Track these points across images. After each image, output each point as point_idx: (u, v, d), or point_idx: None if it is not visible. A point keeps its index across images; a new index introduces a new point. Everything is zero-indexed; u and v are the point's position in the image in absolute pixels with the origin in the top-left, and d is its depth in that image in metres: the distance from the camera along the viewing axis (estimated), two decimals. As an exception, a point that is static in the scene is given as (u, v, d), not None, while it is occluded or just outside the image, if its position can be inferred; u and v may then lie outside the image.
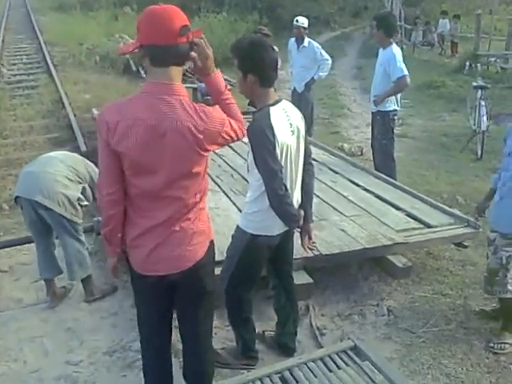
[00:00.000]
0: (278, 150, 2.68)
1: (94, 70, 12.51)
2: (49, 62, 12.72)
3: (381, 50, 5.71)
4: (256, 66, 2.69)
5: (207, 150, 2.18)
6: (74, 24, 18.13)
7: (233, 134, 2.27)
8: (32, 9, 24.19)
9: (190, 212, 2.25)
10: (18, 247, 4.55)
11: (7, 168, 6.53)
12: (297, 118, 2.85)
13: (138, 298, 2.50)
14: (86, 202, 3.85)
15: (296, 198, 2.92)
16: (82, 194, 3.79)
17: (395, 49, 5.51)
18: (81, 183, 3.82)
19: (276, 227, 2.87)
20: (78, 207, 3.77)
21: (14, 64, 13.16)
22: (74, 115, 8.35)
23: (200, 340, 2.53)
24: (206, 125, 2.12)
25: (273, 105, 2.74)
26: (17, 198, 3.73)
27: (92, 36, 15.49)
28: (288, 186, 2.80)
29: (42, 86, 10.64)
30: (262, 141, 2.67)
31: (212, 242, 2.42)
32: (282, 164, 2.74)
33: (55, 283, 3.88)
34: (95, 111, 7.72)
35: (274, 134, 2.65)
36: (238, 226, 2.99)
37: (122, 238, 2.28)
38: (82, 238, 3.87)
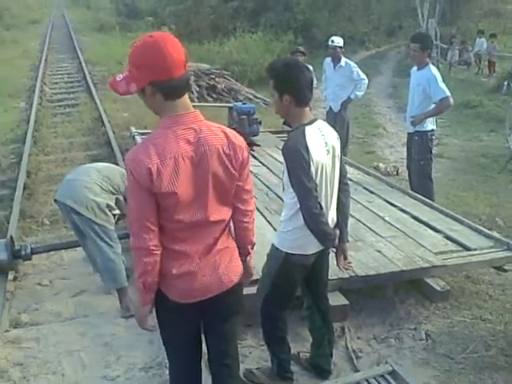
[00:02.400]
0: (312, 169, 2.70)
1: (133, 89, 12.78)
2: (89, 80, 13.08)
3: (414, 69, 5.69)
4: (291, 87, 2.72)
5: (236, 170, 2.21)
6: (113, 44, 18.66)
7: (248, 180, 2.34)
8: (73, 29, 25.00)
9: (227, 229, 2.31)
10: (59, 262, 4.66)
11: (49, 184, 6.70)
12: (332, 138, 2.85)
13: (168, 326, 2.39)
14: (117, 211, 3.95)
15: (331, 217, 2.91)
16: (115, 204, 3.92)
17: (434, 69, 5.49)
18: (114, 194, 3.94)
19: (311, 246, 2.86)
20: (109, 213, 3.88)
21: (56, 83, 13.58)
22: (113, 133, 8.54)
23: (230, 357, 2.52)
24: (233, 142, 2.17)
25: (308, 124, 2.76)
26: (55, 201, 4.03)
27: (131, 56, 15.84)
28: (323, 205, 2.80)
29: (82, 105, 10.94)
30: (297, 159, 2.69)
31: None
32: (317, 183, 2.74)
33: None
34: (133, 129, 7.89)
35: (308, 153, 2.67)
36: (272, 245, 3.00)
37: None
38: (117, 247, 3.95)
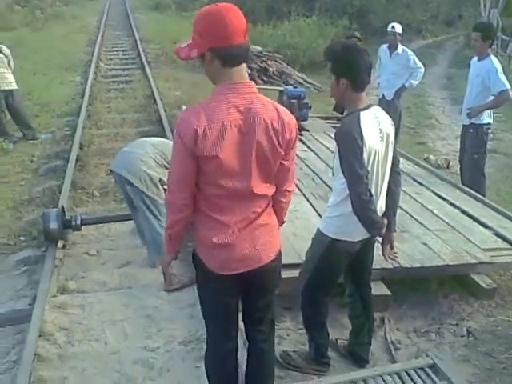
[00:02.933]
0: (365, 156, 2.66)
1: (185, 68, 12.88)
2: (143, 58, 13.26)
3: (474, 60, 5.53)
4: (349, 70, 2.67)
5: (282, 147, 2.21)
6: (168, 23, 18.84)
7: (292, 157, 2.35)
8: (130, 7, 25.33)
9: (270, 206, 2.33)
10: (107, 233, 4.78)
11: (100, 157, 6.87)
12: (387, 125, 2.80)
13: (208, 298, 2.46)
14: None
15: (380, 205, 2.87)
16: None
17: (495, 60, 5.31)
18: (167, 168, 3.99)
19: (357, 233, 2.83)
20: (161, 188, 3.98)
21: (111, 59, 13.83)
22: (165, 111, 8.64)
23: (265, 324, 2.56)
24: (282, 119, 2.17)
25: (364, 109, 2.72)
26: (110, 171, 4.21)
27: (185, 35, 15.85)
28: (373, 193, 2.76)
29: (135, 82, 11.11)
30: (350, 145, 2.65)
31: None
32: (369, 170, 2.71)
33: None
34: (184, 108, 7.97)
35: (362, 139, 2.63)
36: (318, 229, 2.98)
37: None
38: (164, 221, 3.99)
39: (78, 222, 4.40)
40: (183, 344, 3.38)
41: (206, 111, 2.07)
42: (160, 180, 3.98)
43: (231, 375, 2.56)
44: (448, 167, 7.41)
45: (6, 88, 7.42)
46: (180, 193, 2.18)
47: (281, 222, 2.50)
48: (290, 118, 2.21)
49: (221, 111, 2.07)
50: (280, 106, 2.22)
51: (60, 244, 4.47)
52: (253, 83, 2.18)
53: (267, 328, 2.58)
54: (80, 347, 3.33)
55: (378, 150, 2.72)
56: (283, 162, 2.25)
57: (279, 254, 2.42)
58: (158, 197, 3.97)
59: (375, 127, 2.72)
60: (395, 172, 2.96)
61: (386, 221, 2.96)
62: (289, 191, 2.41)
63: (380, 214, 2.88)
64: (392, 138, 2.82)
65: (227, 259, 2.27)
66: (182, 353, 3.30)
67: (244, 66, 2.14)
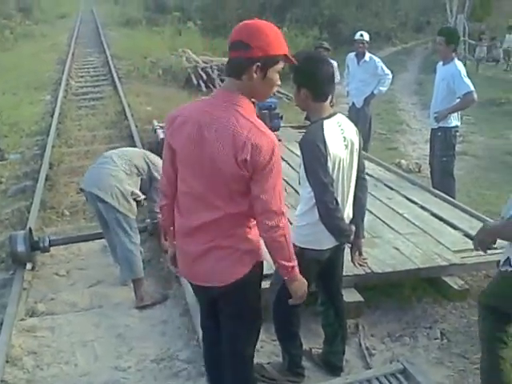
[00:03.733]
0: (329, 164, 2.66)
1: (157, 83, 12.87)
2: (114, 74, 13.19)
3: (440, 65, 5.61)
4: (309, 81, 2.69)
5: (244, 168, 2.07)
6: (139, 38, 18.81)
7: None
8: (101, 24, 25.24)
9: (232, 228, 2.19)
10: (76, 252, 4.71)
11: (70, 175, 6.77)
12: (351, 132, 2.81)
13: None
14: (141, 197, 4.04)
15: (347, 212, 2.88)
16: (141, 186, 4.06)
17: (459, 64, 5.40)
18: (139, 175, 4.07)
19: (325, 241, 2.83)
20: (133, 202, 3.96)
21: (82, 76, 13.73)
22: (136, 126, 8.59)
23: (234, 358, 2.46)
24: (253, 140, 2.06)
25: (327, 118, 2.72)
26: (81, 189, 4.19)
27: (156, 50, 15.98)
28: (339, 200, 2.77)
29: (106, 98, 11.04)
30: (314, 153, 2.66)
31: (260, 263, 2.33)
32: (334, 178, 2.71)
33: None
34: (156, 123, 7.93)
35: (326, 147, 2.63)
36: None
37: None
38: (136, 237, 4.01)
39: (46, 244, 4.32)
40: (155, 362, 3.32)
41: (186, 106, 2.25)
42: (132, 193, 3.95)
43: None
44: (419, 171, 7.48)
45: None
46: (162, 179, 2.39)
47: (279, 261, 2.25)
48: (263, 143, 2.05)
49: (195, 109, 2.18)
50: (261, 127, 2.10)
51: (29, 266, 4.38)
52: (241, 96, 2.13)
53: (231, 363, 2.46)
54: (49, 371, 3.25)
55: (342, 158, 2.72)
56: (251, 186, 2.12)
57: (240, 282, 2.24)
58: (129, 212, 3.93)
59: (339, 135, 2.72)
60: (361, 178, 2.96)
61: (353, 227, 2.96)
62: (268, 225, 2.12)
63: (347, 221, 2.88)
64: (357, 146, 2.83)
65: (182, 265, 2.33)
66: (154, 371, 3.24)
67: (233, 79, 2.15)
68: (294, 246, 2.85)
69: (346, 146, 2.75)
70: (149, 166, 4.12)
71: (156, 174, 4.06)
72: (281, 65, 2.16)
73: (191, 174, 2.17)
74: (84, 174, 4.30)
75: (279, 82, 2.20)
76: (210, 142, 2.09)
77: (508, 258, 2.62)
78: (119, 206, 3.87)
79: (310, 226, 2.80)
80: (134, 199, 3.97)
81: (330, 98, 2.79)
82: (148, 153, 4.37)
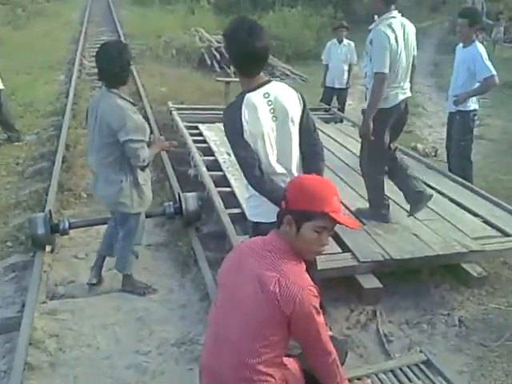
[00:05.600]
0: (247, 136, 2.61)
1: (171, 63, 12.79)
2: (127, 54, 13.11)
3: (459, 47, 5.51)
4: (231, 59, 2.72)
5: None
6: (152, 17, 18.64)
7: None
8: (113, 2, 25.06)
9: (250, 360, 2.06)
10: (95, 235, 4.73)
11: (86, 157, 6.76)
12: (287, 102, 2.69)
13: None
14: (136, 164, 3.58)
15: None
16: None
17: (480, 47, 5.30)
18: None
19: (270, 214, 2.61)
20: (137, 196, 3.71)
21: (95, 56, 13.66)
22: (151, 107, 8.56)
23: None
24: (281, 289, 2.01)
25: (251, 91, 2.66)
26: None
27: (169, 29, 15.84)
28: (278, 170, 2.71)
29: (120, 78, 10.98)
30: (230, 128, 2.67)
31: None
32: (259, 148, 2.65)
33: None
34: (171, 104, 7.91)
35: (241, 121, 2.59)
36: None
37: None
38: (140, 236, 3.95)
39: (66, 226, 4.34)
40: (176, 346, 3.36)
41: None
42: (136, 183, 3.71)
43: None
44: (436, 155, 7.42)
45: (-5, 87, 7.27)
46: None
47: None
48: (288, 292, 2.01)
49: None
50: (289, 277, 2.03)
51: (48, 248, 4.42)
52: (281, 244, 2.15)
53: None
54: (71, 354, 3.29)
55: (267, 130, 2.65)
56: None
57: None
58: (141, 208, 3.79)
59: (264, 107, 2.65)
60: (311, 145, 2.82)
61: None
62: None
63: None
64: (294, 114, 2.72)
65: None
66: (174, 355, 3.28)
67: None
68: (249, 220, 2.88)
69: (276, 117, 2.67)
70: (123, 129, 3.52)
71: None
72: (319, 223, 2.05)
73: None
74: None
75: (324, 243, 2.12)
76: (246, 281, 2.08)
77: None
78: (133, 209, 3.72)
79: (254, 197, 2.79)
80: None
81: (257, 73, 2.69)
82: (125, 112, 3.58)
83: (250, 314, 2.03)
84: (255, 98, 2.65)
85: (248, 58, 2.62)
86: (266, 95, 2.67)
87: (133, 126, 3.48)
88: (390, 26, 3.94)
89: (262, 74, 2.72)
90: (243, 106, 2.62)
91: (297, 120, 2.75)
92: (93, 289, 4.00)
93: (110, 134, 3.51)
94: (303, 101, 2.78)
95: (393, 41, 3.91)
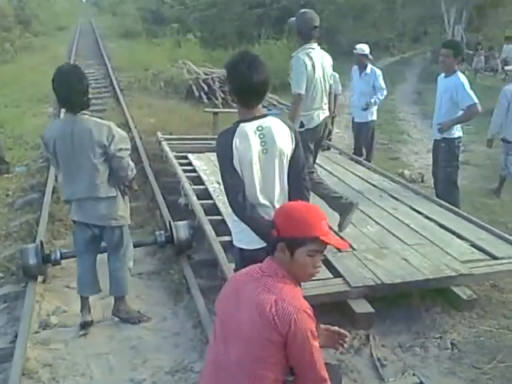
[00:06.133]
0: (236, 165, 2.69)
1: (159, 94, 12.93)
2: (116, 86, 13.26)
3: (441, 76, 5.68)
4: (233, 90, 2.81)
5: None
6: (139, 50, 18.86)
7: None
8: (100, 36, 25.36)
9: None
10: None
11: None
12: (279, 137, 2.77)
13: None
14: (128, 176, 3.65)
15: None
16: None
17: (462, 76, 5.47)
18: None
19: (253, 241, 2.76)
20: (128, 208, 3.79)
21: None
22: (140, 138, 8.64)
23: None
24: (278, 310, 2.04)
25: (246, 121, 2.76)
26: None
27: (157, 62, 16.05)
28: (263, 202, 2.78)
29: (109, 110, 11.09)
30: (221, 155, 2.76)
31: None
32: (246, 180, 2.73)
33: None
34: (160, 134, 7.99)
35: (232, 150, 2.68)
36: None
37: None
38: (131, 254, 4.00)
39: (58, 256, 4.35)
40: (170, 374, 3.35)
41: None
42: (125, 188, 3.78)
43: None
44: (422, 181, 7.53)
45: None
46: None
47: None
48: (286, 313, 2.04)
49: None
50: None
51: (40, 279, 4.40)
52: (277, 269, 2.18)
53: None
54: (65, 383, 3.27)
55: (255, 162, 2.73)
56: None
57: None
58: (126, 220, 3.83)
59: (255, 139, 2.73)
60: (300, 179, 2.89)
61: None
62: None
63: None
64: (286, 150, 2.80)
65: None
66: (169, 383, 3.27)
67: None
68: (234, 246, 2.94)
69: (266, 150, 2.75)
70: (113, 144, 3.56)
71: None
72: (311, 247, 2.11)
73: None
74: None
75: (317, 265, 2.19)
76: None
77: None
78: (123, 221, 3.78)
79: (237, 224, 2.85)
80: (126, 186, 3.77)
81: (255, 105, 2.78)
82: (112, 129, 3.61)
83: (247, 336, 2.05)
84: (248, 128, 2.74)
85: (246, 91, 2.72)
86: (260, 128, 2.76)
87: (119, 138, 3.55)
88: (308, 54, 4.46)
89: (260, 106, 2.81)
90: (236, 134, 2.71)
91: (287, 156, 2.83)
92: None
93: (102, 152, 3.51)
94: (296, 138, 2.86)
95: (310, 67, 4.42)
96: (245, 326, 2.06)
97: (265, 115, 2.82)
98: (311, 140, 4.60)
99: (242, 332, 2.07)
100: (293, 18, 4.65)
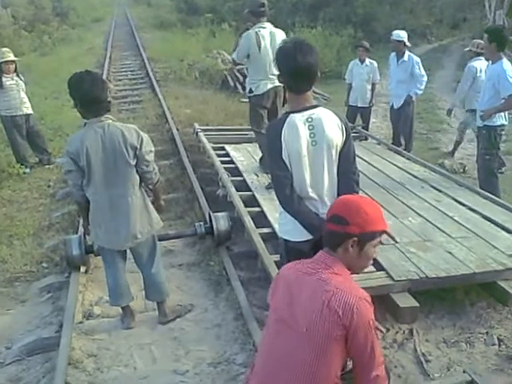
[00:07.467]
0: (284, 157, 2.66)
1: (194, 85, 12.95)
2: (152, 77, 13.35)
3: (489, 63, 5.57)
4: (281, 73, 2.75)
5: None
6: (174, 41, 18.93)
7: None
8: (135, 27, 25.55)
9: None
10: (128, 256, 4.76)
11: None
12: (329, 129, 2.71)
13: None
14: (153, 179, 3.62)
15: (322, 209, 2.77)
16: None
17: (506, 64, 5.31)
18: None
19: (298, 233, 2.76)
20: (154, 214, 3.71)
21: (120, 80, 13.93)
22: (177, 129, 8.67)
23: None
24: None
25: (296, 112, 2.71)
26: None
27: (192, 52, 16.06)
28: (312, 195, 2.74)
29: (146, 101, 11.17)
30: (270, 146, 2.73)
31: None
32: (294, 171, 2.69)
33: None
34: (197, 126, 8.00)
35: (280, 141, 2.64)
36: None
37: None
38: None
39: (100, 247, 4.40)
40: (212, 366, 3.36)
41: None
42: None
43: None
44: (464, 171, 7.35)
45: (27, 112, 7.49)
46: None
47: None
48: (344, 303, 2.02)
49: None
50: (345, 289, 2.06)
51: (82, 269, 4.48)
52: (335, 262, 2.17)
53: None
54: (109, 373, 3.32)
55: (304, 154, 2.68)
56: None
57: None
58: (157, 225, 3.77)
59: (304, 130, 2.68)
60: (347, 175, 2.82)
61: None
62: None
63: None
64: (335, 143, 2.73)
65: None
66: (211, 375, 3.29)
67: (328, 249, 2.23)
68: (280, 237, 2.95)
69: (315, 142, 2.70)
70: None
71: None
72: (378, 239, 2.17)
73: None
74: None
75: (376, 255, 2.23)
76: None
77: None
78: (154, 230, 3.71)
79: (284, 215, 2.83)
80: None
81: (303, 90, 2.73)
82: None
83: (307, 330, 2.02)
84: (298, 119, 2.69)
85: (293, 72, 2.67)
86: (309, 119, 2.70)
87: (146, 141, 3.52)
88: (256, 32, 5.46)
89: (310, 95, 2.76)
90: (285, 125, 2.68)
91: (337, 148, 2.77)
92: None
93: (134, 154, 3.45)
94: (347, 130, 2.79)
95: (253, 42, 5.43)
96: (304, 319, 2.03)
97: (315, 106, 2.77)
98: (259, 104, 5.71)
99: (301, 325, 2.04)
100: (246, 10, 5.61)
